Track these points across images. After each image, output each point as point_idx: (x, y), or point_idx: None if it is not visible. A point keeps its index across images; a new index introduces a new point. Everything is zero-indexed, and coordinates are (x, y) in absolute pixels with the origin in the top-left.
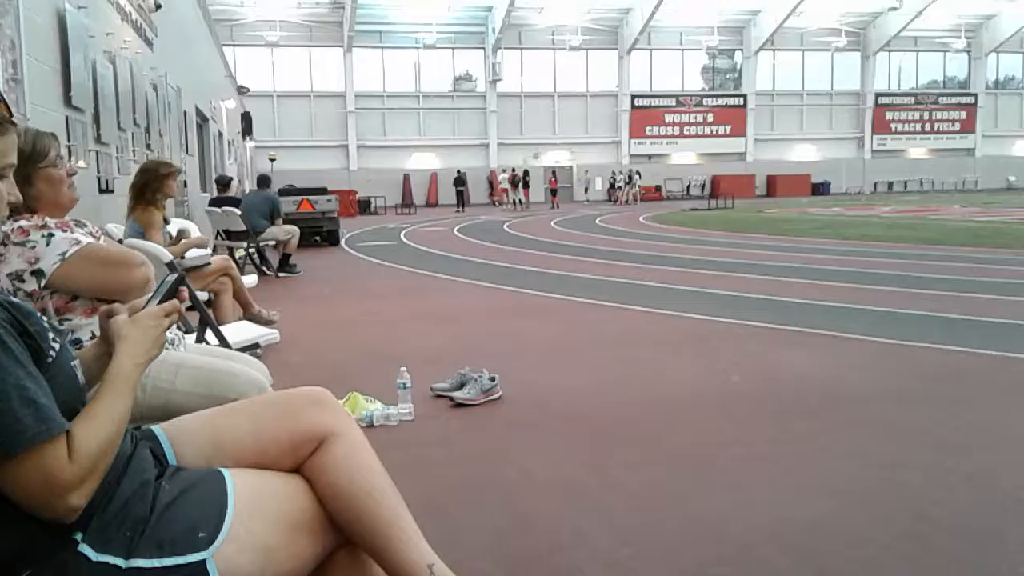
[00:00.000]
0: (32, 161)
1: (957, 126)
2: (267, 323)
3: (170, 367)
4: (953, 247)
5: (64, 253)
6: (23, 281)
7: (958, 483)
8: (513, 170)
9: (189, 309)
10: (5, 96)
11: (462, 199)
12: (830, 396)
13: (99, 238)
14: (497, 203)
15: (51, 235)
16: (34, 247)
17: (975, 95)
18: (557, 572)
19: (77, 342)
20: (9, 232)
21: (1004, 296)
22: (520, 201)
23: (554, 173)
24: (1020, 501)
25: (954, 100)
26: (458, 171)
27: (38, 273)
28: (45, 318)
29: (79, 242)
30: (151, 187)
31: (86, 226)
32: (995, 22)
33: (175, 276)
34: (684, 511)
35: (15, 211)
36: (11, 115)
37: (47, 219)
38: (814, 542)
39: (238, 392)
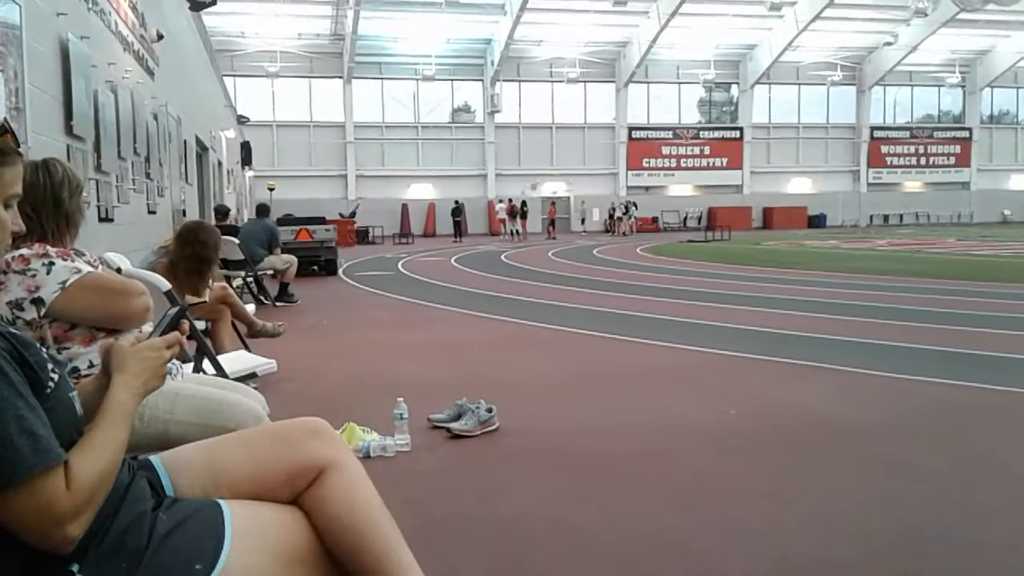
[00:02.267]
0: (80, 190)
1: (952, 160)
2: (274, 335)
3: (168, 397)
4: (949, 280)
5: (65, 282)
6: (23, 309)
7: (958, 519)
8: (511, 200)
9: (188, 338)
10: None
11: (460, 229)
12: (827, 429)
13: (97, 267)
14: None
15: (52, 263)
16: (35, 275)
17: (970, 129)
18: None
19: (75, 371)
20: (10, 260)
21: (1001, 330)
22: (517, 232)
23: (554, 203)
24: (1021, 537)
25: (949, 134)
26: (456, 201)
27: (38, 301)
28: (44, 349)
29: (80, 271)
30: (204, 263)
31: (84, 255)
32: (989, 57)
33: (176, 308)
34: (683, 546)
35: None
36: (18, 145)
37: (48, 247)
38: None
39: (236, 422)
